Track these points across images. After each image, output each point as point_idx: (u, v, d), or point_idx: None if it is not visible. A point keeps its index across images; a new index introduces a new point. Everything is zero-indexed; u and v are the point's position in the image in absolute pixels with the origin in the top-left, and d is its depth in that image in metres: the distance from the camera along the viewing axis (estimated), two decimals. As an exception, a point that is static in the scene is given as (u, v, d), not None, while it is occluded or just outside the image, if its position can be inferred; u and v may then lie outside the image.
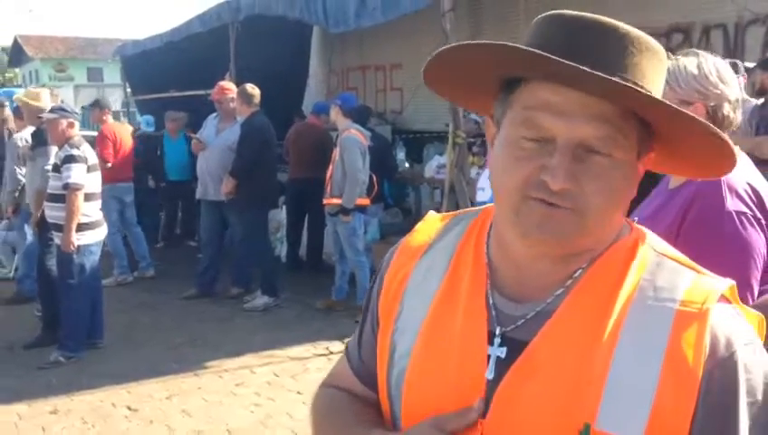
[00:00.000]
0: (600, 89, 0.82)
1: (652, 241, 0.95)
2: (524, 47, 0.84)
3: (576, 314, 0.89)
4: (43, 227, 5.51)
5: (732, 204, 1.78)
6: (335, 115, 6.08)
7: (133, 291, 7.30)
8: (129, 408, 4.55)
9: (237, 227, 6.68)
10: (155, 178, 9.20)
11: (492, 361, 0.92)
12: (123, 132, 7.85)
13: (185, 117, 9.79)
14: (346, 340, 5.72)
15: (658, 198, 2.05)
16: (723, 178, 1.82)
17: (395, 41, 9.08)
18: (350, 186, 5.82)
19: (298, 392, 4.75)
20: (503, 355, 0.92)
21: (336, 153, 5.97)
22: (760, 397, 0.85)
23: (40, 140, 5.76)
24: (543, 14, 0.91)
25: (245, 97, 6.39)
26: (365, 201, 6.03)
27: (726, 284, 0.90)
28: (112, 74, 26.46)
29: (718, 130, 0.86)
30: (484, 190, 3.33)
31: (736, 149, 1.98)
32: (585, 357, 0.86)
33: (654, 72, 0.87)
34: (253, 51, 8.87)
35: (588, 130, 0.84)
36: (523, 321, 0.92)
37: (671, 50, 2.06)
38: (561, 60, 0.80)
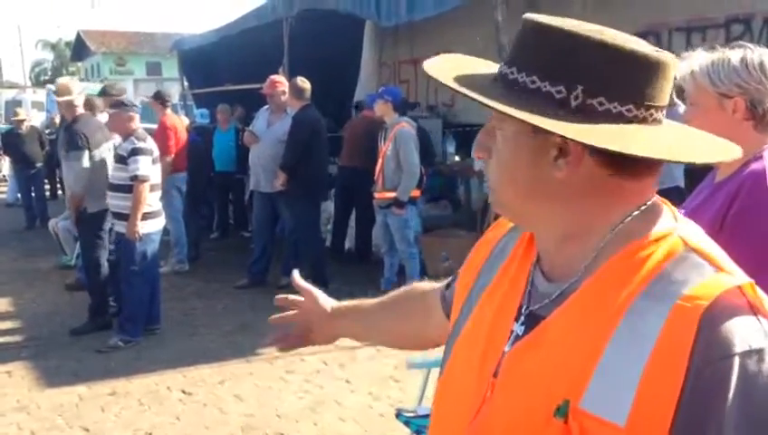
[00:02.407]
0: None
1: (689, 235, 0.93)
2: (437, 78, 0.99)
3: (590, 296, 0.92)
4: (89, 221, 5.71)
5: None
6: (385, 109, 6.12)
7: (189, 279, 7.51)
8: (183, 392, 4.71)
9: (288, 219, 6.80)
10: (206, 169, 9.39)
11: (513, 336, 0.99)
12: (179, 124, 8.05)
13: (240, 110, 10.00)
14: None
15: (704, 191, 2.04)
16: None
17: (446, 33, 9.05)
18: (406, 179, 5.87)
19: (346, 381, 4.84)
20: (521, 332, 0.98)
21: (387, 147, 6.03)
22: (755, 408, 0.82)
23: (72, 142, 5.71)
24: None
25: (296, 90, 6.49)
26: (417, 193, 6.09)
27: (744, 280, 0.88)
28: (170, 68, 26.99)
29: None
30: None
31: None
32: (586, 338, 0.89)
33: (554, 59, 0.91)
34: (306, 44, 8.97)
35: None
36: (548, 299, 0.97)
37: (730, 42, 2.04)
38: (449, 85, 0.95)
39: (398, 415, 3.36)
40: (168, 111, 7.84)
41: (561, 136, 0.87)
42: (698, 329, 0.83)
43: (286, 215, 6.83)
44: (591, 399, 0.85)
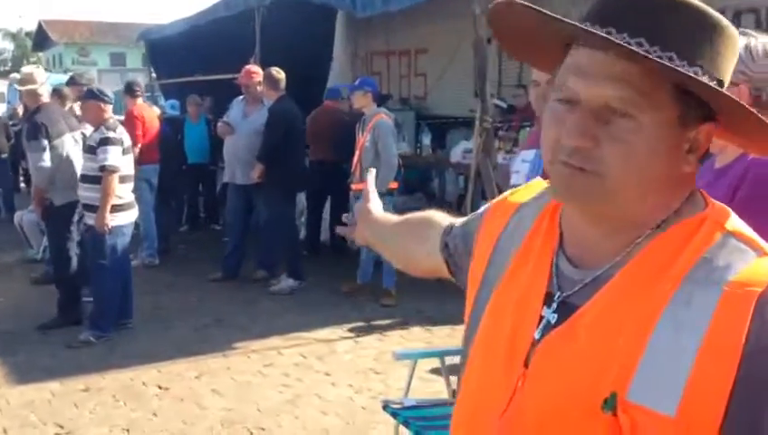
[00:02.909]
0: (618, 50, 0.83)
1: (725, 219, 0.91)
2: (537, 9, 0.87)
3: (628, 284, 0.89)
4: (57, 214, 5.58)
5: None
6: (365, 100, 6.07)
7: (160, 273, 7.38)
8: (159, 387, 4.62)
9: (264, 211, 6.72)
10: (177, 161, 9.25)
11: (543, 322, 0.95)
12: (151, 115, 7.90)
13: (209, 101, 9.85)
14: (372, 322, 5.78)
15: (704, 177, 2.03)
16: None
17: (420, 26, 9.04)
18: (384, 170, 5.83)
19: (326, 374, 4.79)
20: (553, 320, 0.94)
21: (365, 138, 5.98)
22: None
23: (31, 133, 5.54)
24: None
25: (272, 81, 6.41)
26: (395, 185, 6.05)
27: None
28: (135, 59, 26.60)
29: (745, 104, 0.86)
30: (518, 173, 3.31)
31: None
32: (628, 328, 0.85)
33: (691, 38, 0.86)
34: (278, 35, 8.86)
35: (609, 90, 0.85)
36: (580, 286, 0.93)
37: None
38: (572, 23, 0.84)
39: (386, 407, 3.33)
40: (139, 100, 7.68)
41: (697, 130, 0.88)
42: (753, 316, 0.81)
43: (261, 207, 6.75)
44: (639, 390, 0.82)
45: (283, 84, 6.44)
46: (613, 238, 0.92)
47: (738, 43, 0.90)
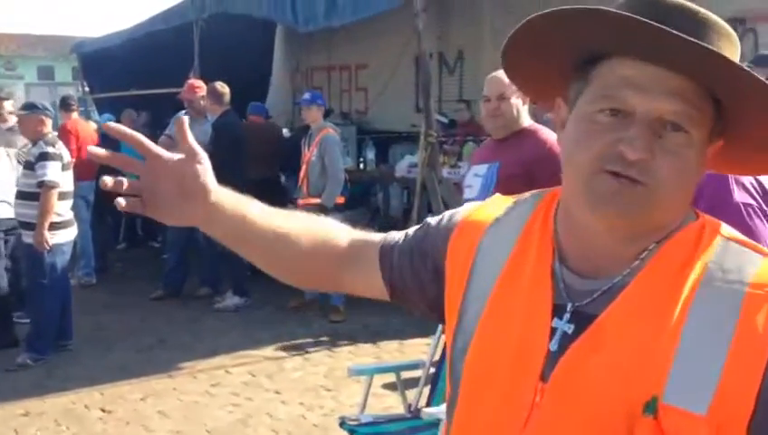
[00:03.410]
0: (685, 63, 0.84)
1: (719, 226, 0.96)
2: (640, 18, 0.84)
3: (646, 291, 0.91)
4: None
5: (739, 196, 1.84)
6: (317, 115, 6.05)
7: (98, 292, 7.17)
8: (102, 410, 4.47)
9: (208, 227, 6.60)
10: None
11: (558, 334, 0.94)
12: (87, 130, 7.69)
13: (144, 116, 9.66)
14: (321, 339, 5.73)
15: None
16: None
17: (361, 41, 9.09)
18: (331, 185, 5.83)
19: (276, 392, 4.73)
20: (570, 331, 0.93)
21: (311, 152, 5.95)
22: None
23: None
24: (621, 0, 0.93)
25: (216, 96, 6.33)
26: (342, 199, 6.04)
27: None
28: (64, 73, 25.84)
29: None
30: (471, 187, 3.35)
31: None
32: (653, 333, 0.87)
33: (731, 56, 0.89)
34: (217, 49, 8.78)
35: (666, 105, 0.86)
36: (592, 297, 0.93)
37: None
38: (676, 32, 0.82)
39: (342, 424, 3.30)
40: (74, 115, 7.48)
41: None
42: None
43: (205, 223, 6.62)
44: (674, 392, 0.85)
45: (227, 99, 6.37)
46: (627, 247, 0.93)
47: (738, 45, 0.93)
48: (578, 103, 0.94)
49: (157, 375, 5.01)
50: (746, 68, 0.86)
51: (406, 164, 7.16)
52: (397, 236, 1.20)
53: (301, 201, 6.06)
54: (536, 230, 1.02)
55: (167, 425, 4.26)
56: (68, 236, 5.26)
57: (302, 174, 6.07)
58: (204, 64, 8.74)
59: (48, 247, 5.00)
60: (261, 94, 10.75)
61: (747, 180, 1.87)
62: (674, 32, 0.82)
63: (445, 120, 7.87)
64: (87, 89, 12.73)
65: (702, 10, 0.90)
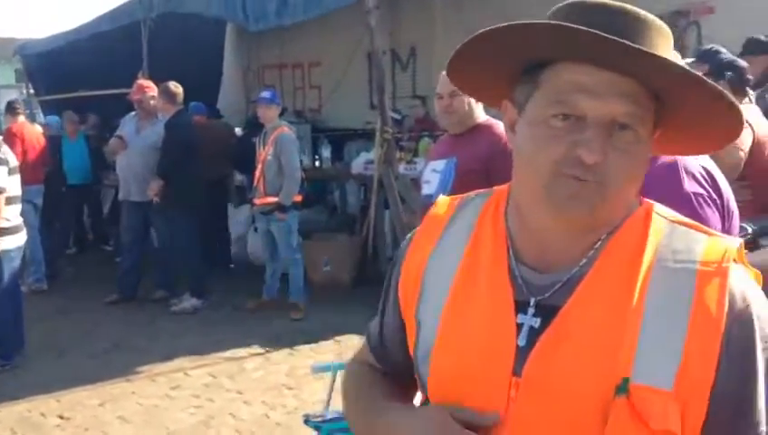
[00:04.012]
0: (639, 68, 0.88)
1: (663, 211, 1.01)
2: (577, 26, 0.87)
3: (604, 278, 0.95)
4: None
5: (689, 186, 1.89)
6: (273, 112, 6.01)
7: (49, 298, 7.00)
8: (60, 417, 4.38)
9: (162, 228, 6.53)
10: (56, 182, 8.77)
11: (524, 329, 0.96)
12: (33, 133, 7.51)
13: (93, 118, 9.47)
14: (281, 337, 5.71)
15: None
16: (679, 163, 1.94)
17: (314, 39, 9.06)
18: (288, 184, 5.81)
19: (238, 392, 4.70)
20: (536, 325, 0.96)
21: (267, 151, 5.92)
22: None
23: None
24: (564, 2, 0.96)
25: (169, 95, 6.26)
26: (299, 198, 6.02)
27: (737, 243, 0.97)
28: (6, 75, 25.10)
29: (737, 103, 0.94)
30: (429, 183, 3.37)
31: None
32: (616, 318, 0.91)
33: (668, 52, 0.94)
34: (166, 48, 8.65)
35: (617, 107, 0.90)
36: (553, 289, 0.97)
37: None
38: (618, 39, 0.85)
39: (306, 421, 3.29)
40: (21, 118, 7.32)
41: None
42: (727, 289, 0.91)
43: (159, 225, 6.55)
44: (641, 372, 0.89)
45: (180, 98, 6.32)
46: (582, 240, 0.97)
47: (672, 40, 0.97)
48: (528, 107, 0.96)
49: (114, 380, 4.94)
50: (682, 65, 0.91)
51: (362, 161, 7.17)
52: (374, 323, 1.22)
53: (257, 201, 6.04)
54: (487, 231, 1.05)
55: (127, 430, 4.20)
56: (17, 241, 5.13)
57: (257, 173, 6.03)
58: (153, 64, 8.59)
59: None
60: (212, 94, 10.64)
61: (696, 170, 1.92)
62: (610, 37, 0.85)
63: (398, 116, 7.90)
64: (32, 91, 12.42)
65: (635, 9, 0.93)
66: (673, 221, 0.99)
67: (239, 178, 8.00)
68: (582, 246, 0.97)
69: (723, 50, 3.60)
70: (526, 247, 1.01)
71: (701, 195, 1.90)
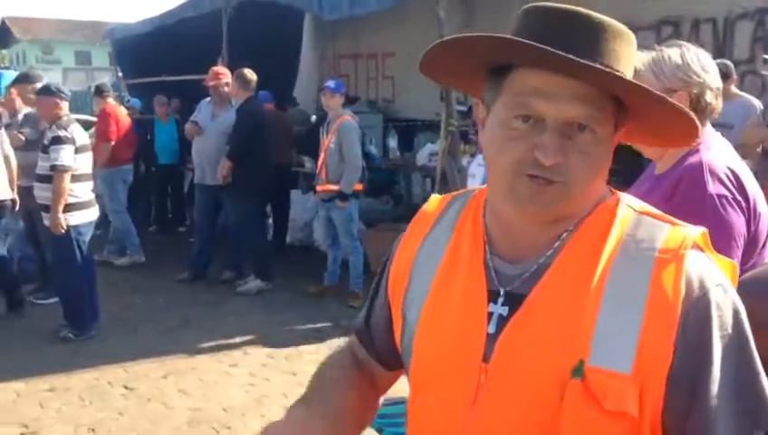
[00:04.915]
0: (585, 75, 0.92)
1: (631, 202, 1.06)
2: (521, 40, 0.93)
3: (567, 268, 1.00)
4: None
5: (713, 187, 1.88)
6: (337, 101, 6.11)
7: (125, 274, 7.34)
8: (125, 387, 4.63)
9: (232, 211, 6.75)
10: (146, 162, 9.25)
11: (494, 317, 1.03)
12: (123, 114, 7.89)
13: (176, 102, 9.83)
14: (338, 323, 5.84)
15: (646, 183, 2.15)
16: (705, 164, 1.93)
17: (388, 29, 9.12)
18: (349, 172, 5.90)
19: (293, 374, 4.85)
20: (505, 313, 1.02)
21: (329, 139, 6.04)
22: (730, 330, 0.95)
23: None
24: (525, 6, 1.01)
25: (243, 81, 6.44)
26: (360, 186, 6.12)
27: (699, 231, 1.01)
28: (101, 58, 26.22)
29: (683, 107, 0.98)
30: (474, 177, 3.41)
31: (718, 135, 2.09)
32: (577, 304, 0.96)
33: (627, 55, 0.98)
34: (245, 36, 8.89)
35: (573, 109, 0.94)
36: (521, 279, 1.02)
37: (660, 42, 2.17)
38: (555, 50, 0.89)
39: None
40: (110, 100, 7.70)
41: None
42: (683, 275, 0.94)
43: (230, 208, 6.77)
44: (598, 356, 0.93)
45: (254, 85, 6.49)
46: (548, 233, 1.03)
47: (634, 43, 1.00)
48: (494, 108, 1.02)
49: (179, 355, 5.17)
50: (621, 75, 0.94)
51: (427, 153, 7.21)
52: (362, 315, 1.31)
53: (319, 187, 6.16)
54: (468, 226, 1.12)
55: (186, 402, 4.41)
56: (86, 217, 5.34)
57: (320, 161, 6.16)
58: (232, 52, 8.86)
59: (63, 229, 5.15)
60: (290, 82, 10.87)
61: (722, 171, 1.90)
62: (569, 56, 0.89)
63: (465, 108, 7.88)
64: (120, 74, 12.95)
65: (594, 14, 0.97)
66: (641, 212, 1.04)
67: (309, 165, 8.17)
68: (549, 238, 1.02)
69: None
70: (500, 240, 1.07)
71: (725, 196, 1.89)
